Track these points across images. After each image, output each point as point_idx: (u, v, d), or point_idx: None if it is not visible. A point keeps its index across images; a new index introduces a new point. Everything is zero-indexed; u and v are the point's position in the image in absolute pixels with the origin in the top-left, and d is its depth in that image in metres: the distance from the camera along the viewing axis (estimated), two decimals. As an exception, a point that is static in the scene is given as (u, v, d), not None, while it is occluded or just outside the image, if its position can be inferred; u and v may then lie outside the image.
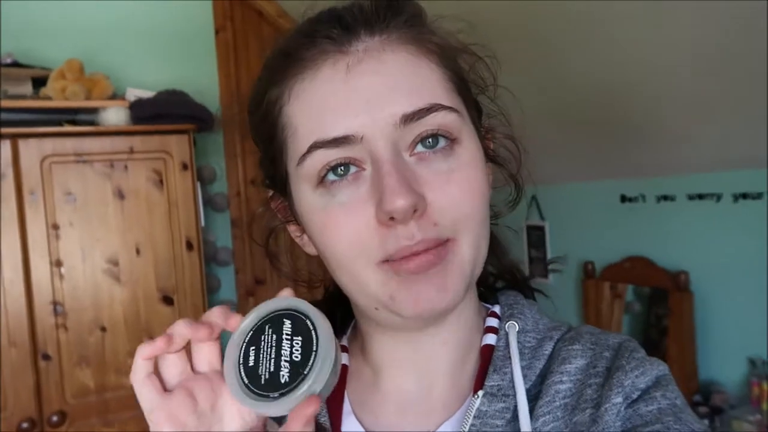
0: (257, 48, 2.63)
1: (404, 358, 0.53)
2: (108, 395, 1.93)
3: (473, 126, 0.50)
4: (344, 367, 0.56)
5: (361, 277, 0.46)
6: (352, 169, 0.45)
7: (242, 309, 2.56)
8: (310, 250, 0.54)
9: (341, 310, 0.61)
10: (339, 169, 0.45)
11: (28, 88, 1.95)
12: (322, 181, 0.46)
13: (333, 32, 0.46)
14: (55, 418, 1.83)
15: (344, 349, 0.58)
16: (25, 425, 1.79)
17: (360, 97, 0.44)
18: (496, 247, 0.60)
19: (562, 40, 1.78)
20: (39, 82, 1.97)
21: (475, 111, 0.52)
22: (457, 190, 0.45)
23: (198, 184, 2.10)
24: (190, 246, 2.05)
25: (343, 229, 0.45)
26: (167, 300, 2.02)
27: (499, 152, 0.56)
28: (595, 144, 2.08)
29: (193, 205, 2.05)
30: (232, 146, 2.60)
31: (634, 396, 0.46)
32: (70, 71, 1.90)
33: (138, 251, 1.98)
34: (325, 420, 0.53)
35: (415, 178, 0.44)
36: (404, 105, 0.44)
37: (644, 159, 2.00)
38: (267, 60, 0.51)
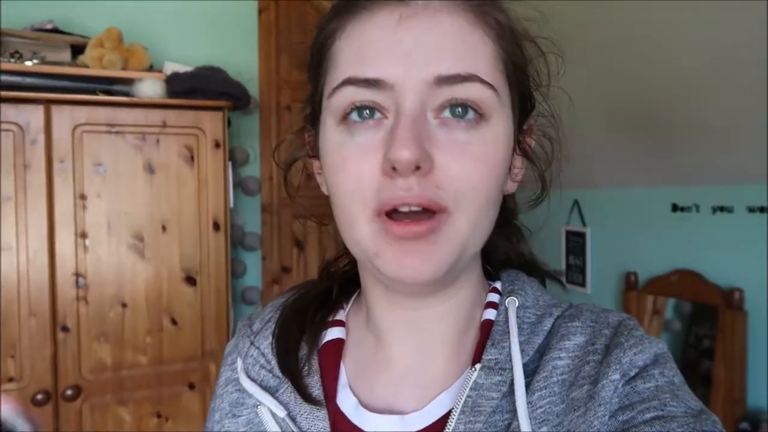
0: (300, 31, 2.57)
1: (403, 326, 0.54)
2: (124, 373, 1.88)
3: (512, 112, 0.49)
4: (340, 341, 0.57)
5: (355, 226, 0.47)
6: (377, 114, 0.45)
7: (267, 296, 2.53)
8: (325, 189, 0.54)
9: (339, 286, 0.62)
10: (364, 112, 0.46)
11: (66, 55, 1.92)
12: (345, 118, 0.46)
13: None
14: (69, 392, 1.79)
15: (340, 323, 0.59)
16: (39, 397, 1.75)
17: (402, 48, 0.44)
18: (512, 234, 0.61)
19: (614, 40, 1.69)
20: (78, 51, 1.94)
21: (519, 99, 0.51)
22: (469, 163, 0.44)
23: (230, 165, 2.05)
24: (217, 227, 1.99)
25: (350, 170, 0.45)
26: (190, 281, 1.97)
27: (538, 152, 0.56)
28: (646, 148, 1.97)
29: (223, 185, 2.00)
30: (267, 130, 2.54)
31: (632, 373, 0.46)
32: (109, 40, 1.87)
33: (164, 228, 1.93)
34: (319, 393, 0.53)
35: (429, 138, 0.44)
36: (443, 66, 0.44)
37: (700, 166, 1.88)
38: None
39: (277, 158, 0.63)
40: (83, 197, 1.83)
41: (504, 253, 0.61)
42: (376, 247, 0.46)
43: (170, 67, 1.98)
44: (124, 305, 1.89)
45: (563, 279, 0.60)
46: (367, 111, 0.45)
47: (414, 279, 0.45)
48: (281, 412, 0.52)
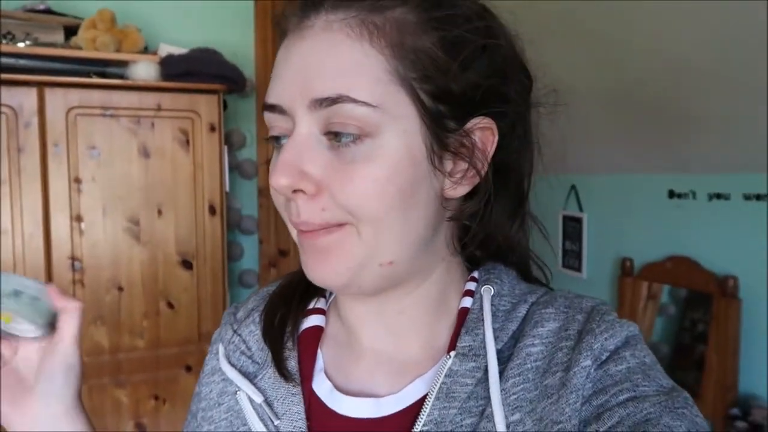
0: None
1: (369, 320, 0.55)
2: (121, 356, 1.90)
3: (420, 121, 0.46)
4: (319, 329, 0.58)
5: (290, 231, 0.51)
6: (284, 138, 0.48)
7: (264, 279, 2.53)
8: None
9: None
10: (279, 137, 0.49)
11: (59, 37, 1.90)
12: (272, 138, 0.50)
13: (305, 4, 0.47)
14: (66, 375, 1.80)
15: (320, 311, 0.60)
16: (36, 379, 1.76)
17: (288, 72, 0.46)
18: (519, 228, 0.59)
19: (615, 27, 1.67)
20: (72, 32, 1.92)
21: (442, 107, 0.47)
22: (352, 183, 0.45)
23: (225, 148, 2.04)
24: (213, 211, 1.99)
25: (271, 188, 0.48)
26: (186, 264, 1.97)
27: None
28: (645, 134, 1.96)
29: (219, 168, 1.99)
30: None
31: (604, 357, 0.46)
32: (102, 21, 1.84)
33: (160, 212, 1.93)
34: (296, 376, 0.54)
35: (314, 161, 0.45)
36: (316, 89, 0.44)
37: (697, 153, 1.87)
38: None
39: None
40: (78, 181, 1.83)
41: (494, 244, 0.59)
42: (300, 252, 0.50)
43: (165, 49, 1.96)
44: (120, 289, 1.89)
45: (547, 272, 0.60)
46: (279, 135, 0.49)
47: (325, 285, 0.49)
48: (258, 398, 0.53)
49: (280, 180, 0.44)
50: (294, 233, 0.51)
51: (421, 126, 0.46)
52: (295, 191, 0.46)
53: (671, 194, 2.02)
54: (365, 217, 0.46)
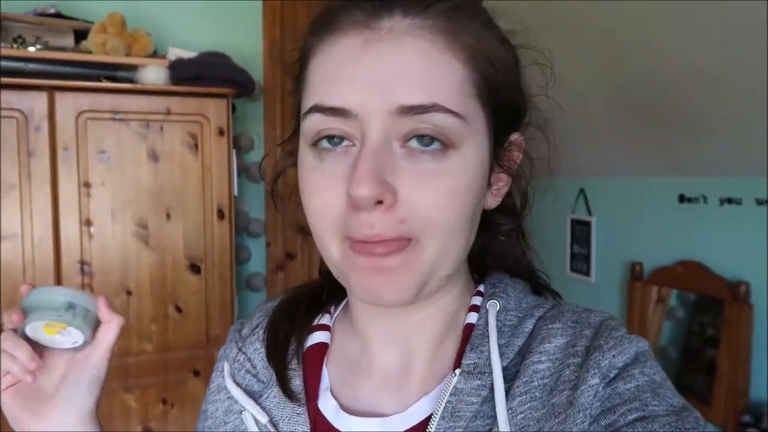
0: (305, 17, 2.54)
1: (384, 333, 0.54)
2: (130, 360, 1.90)
3: (487, 135, 0.48)
4: (324, 346, 0.58)
5: (326, 246, 0.47)
6: (345, 142, 0.45)
7: (271, 282, 2.53)
8: None
9: (329, 289, 0.63)
10: (334, 139, 0.45)
11: (69, 41, 1.91)
12: (316, 143, 0.46)
13: (369, 3, 0.45)
14: (75, 378, 1.80)
15: (325, 327, 0.59)
16: (45, 383, 1.77)
17: (366, 76, 0.43)
18: (518, 240, 0.60)
19: (623, 30, 1.66)
20: (82, 36, 1.93)
21: (498, 118, 0.49)
22: (434, 194, 0.44)
23: (234, 152, 2.04)
24: (221, 215, 1.99)
25: (318, 196, 0.46)
26: (194, 268, 1.97)
27: (524, 166, 0.55)
28: (654, 138, 1.94)
29: (228, 172, 1.99)
30: (272, 115, 2.52)
31: (612, 375, 0.45)
32: (112, 25, 1.85)
33: (168, 216, 1.93)
34: (301, 395, 0.54)
35: (393, 170, 0.43)
36: (406, 96, 0.43)
37: (708, 157, 1.86)
38: (316, 10, 0.51)
39: (264, 169, 0.65)
40: (87, 185, 1.83)
41: (498, 257, 0.60)
42: (346, 268, 0.47)
43: (174, 53, 1.96)
44: (129, 293, 1.90)
45: (556, 290, 0.61)
46: (336, 138, 0.45)
47: (381, 303, 0.46)
48: (263, 418, 0.53)
49: (363, 191, 0.41)
50: (337, 252, 0.47)
51: (488, 140, 0.48)
52: (376, 202, 0.43)
53: (682, 198, 2.00)
54: (438, 230, 0.45)
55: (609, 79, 1.86)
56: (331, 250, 0.47)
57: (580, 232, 2.44)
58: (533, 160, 0.55)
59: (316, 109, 0.45)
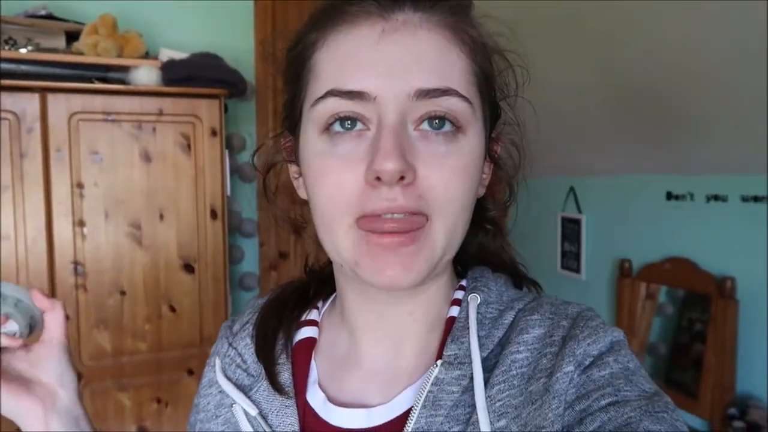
0: (296, 17, 2.55)
1: (374, 325, 0.55)
2: (124, 359, 1.91)
3: (483, 124, 0.51)
4: (312, 340, 0.60)
5: (335, 232, 0.48)
6: (358, 125, 0.47)
7: (264, 282, 2.53)
8: (302, 193, 0.57)
9: (316, 285, 0.65)
10: (346, 123, 0.47)
11: (61, 42, 1.91)
12: (328, 128, 0.48)
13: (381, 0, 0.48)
14: (69, 379, 1.81)
15: (313, 323, 0.61)
16: (40, 383, 1.77)
17: (384, 61, 0.46)
18: (485, 233, 0.62)
19: (614, 30, 1.69)
20: (73, 38, 1.93)
21: (490, 111, 0.54)
22: (447, 173, 0.47)
23: (226, 152, 2.05)
24: (214, 215, 2.00)
25: (332, 178, 0.47)
26: (188, 268, 1.98)
27: (504, 158, 0.59)
28: (642, 136, 1.97)
29: (220, 173, 2.00)
30: (264, 115, 2.53)
31: (587, 362, 0.47)
32: (104, 26, 1.85)
33: (162, 216, 1.94)
34: (289, 389, 0.55)
35: (410, 150, 0.46)
36: (423, 80, 0.46)
37: (695, 155, 1.88)
38: (315, 7, 0.53)
39: (257, 162, 0.65)
40: (80, 186, 1.84)
41: (478, 252, 0.63)
42: (356, 255, 0.48)
43: (166, 54, 1.97)
44: (122, 293, 1.90)
45: (537, 281, 0.64)
46: (349, 122, 0.47)
47: (393, 287, 0.47)
48: (253, 411, 0.54)
49: (389, 165, 0.43)
50: (347, 238, 0.48)
51: (484, 128, 0.52)
52: (399, 178, 0.45)
53: (669, 196, 2.03)
54: (449, 209, 0.47)
55: (599, 79, 1.88)
56: (341, 235, 0.48)
57: (571, 230, 2.46)
58: (521, 149, 0.59)
59: (333, 93, 0.47)
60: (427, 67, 0.46)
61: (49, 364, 0.63)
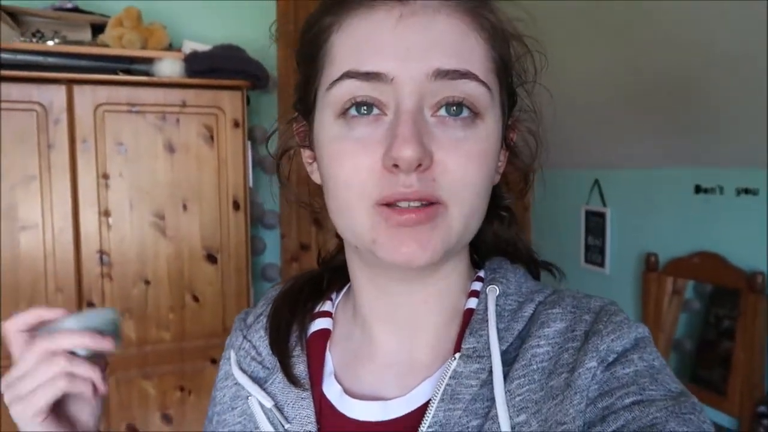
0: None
1: (387, 315, 0.55)
2: (148, 348, 1.93)
3: (501, 111, 0.51)
4: (327, 332, 0.59)
5: (353, 215, 0.47)
6: (375, 110, 0.46)
7: (286, 273, 2.54)
8: (316, 178, 0.56)
9: (330, 275, 0.64)
10: (363, 108, 0.46)
11: (86, 35, 1.93)
12: (344, 113, 0.47)
13: None
14: (95, 366, 1.84)
15: (327, 314, 0.61)
16: (66, 370, 1.81)
17: (402, 44, 0.45)
18: (501, 222, 0.62)
19: (638, 21, 1.65)
20: (98, 30, 1.95)
21: (507, 97, 0.53)
22: (464, 160, 0.46)
23: (249, 144, 2.06)
24: (236, 206, 2.01)
25: (348, 163, 0.46)
26: (211, 258, 2.00)
27: (520, 146, 0.58)
28: (670, 128, 1.93)
29: (243, 164, 2.01)
30: (286, 108, 2.54)
31: (611, 359, 0.46)
32: (128, 19, 1.87)
33: (185, 207, 1.95)
34: (305, 380, 0.55)
35: (428, 135, 0.45)
36: (441, 61, 0.45)
37: (724, 147, 1.84)
38: None
39: (270, 147, 0.65)
40: (106, 176, 1.86)
41: (493, 242, 0.62)
42: (374, 233, 0.47)
43: (189, 46, 1.98)
44: (147, 282, 1.93)
45: (554, 268, 0.63)
46: (365, 107, 0.46)
47: (410, 264, 0.46)
48: (268, 403, 0.54)
49: (408, 152, 0.43)
50: (365, 219, 0.47)
51: (502, 115, 0.51)
52: (417, 165, 0.44)
53: (698, 189, 1.98)
54: (465, 194, 0.47)
55: (624, 70, 1.84)
56: (359, 217, 0.47)
57: (595, 223, 2.43)
58: (537, 137, 0.58)
59: (349, 75, 0.46)
60: (445, 49, 0.46)
61: (92, 408, 0.61)
